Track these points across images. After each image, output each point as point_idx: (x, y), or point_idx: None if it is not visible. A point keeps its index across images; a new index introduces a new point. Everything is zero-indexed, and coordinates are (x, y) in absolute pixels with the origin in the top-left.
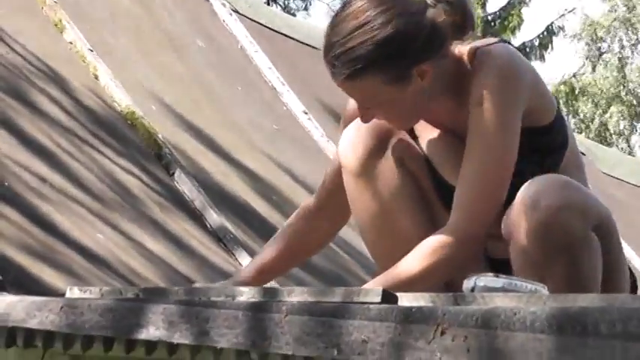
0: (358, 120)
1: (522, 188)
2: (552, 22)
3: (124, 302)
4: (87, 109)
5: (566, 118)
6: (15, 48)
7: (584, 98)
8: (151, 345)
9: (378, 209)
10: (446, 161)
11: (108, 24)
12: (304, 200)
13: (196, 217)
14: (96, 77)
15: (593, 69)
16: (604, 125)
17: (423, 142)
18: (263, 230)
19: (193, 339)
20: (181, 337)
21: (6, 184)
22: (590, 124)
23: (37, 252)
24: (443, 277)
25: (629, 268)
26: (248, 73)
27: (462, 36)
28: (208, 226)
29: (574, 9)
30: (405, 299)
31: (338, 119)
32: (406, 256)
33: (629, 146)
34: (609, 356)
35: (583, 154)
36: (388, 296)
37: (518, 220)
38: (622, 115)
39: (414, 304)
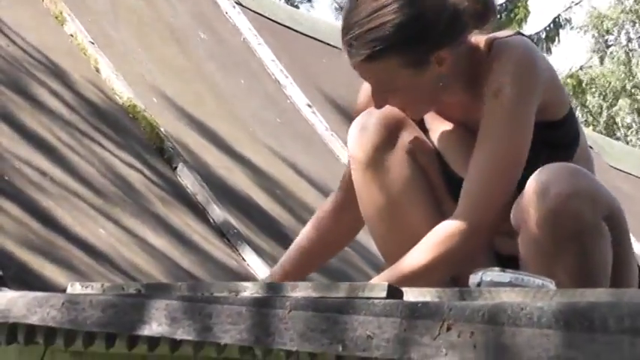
0: (368, 110)
1: (532, 176)
2: (559, 15)
3: (126, 298)
4: (88, 102)
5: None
6: (15, 40)
7: (592, 90)
8: (153, 341)
9: (385, 202)
10: (457, 155)
11: (109, 16)
12: (330, 194)
13: (199, 211)
14: (97, 70)
15: (601, 62)
16: (612, 118)
17: (434, 136)
18: (266, 225)
19: (196, 335)
20: (184, 334)
21: (6, 178)
22: (599, 117)
23: (38, 247)
24: (452, 268)
25: (637, 263)
26: (251, 65)
27: (481, 24)
28: (211, 220)
29: (581, 0)
30: (411, 294)
31: (342, 112)
32: (414, 248)
33: (639, 139)
34: (617, 352)
35: (590, 147)
36: (394, 291)
37: (528, 209)
38: (631, 109)
39: (420, 299)
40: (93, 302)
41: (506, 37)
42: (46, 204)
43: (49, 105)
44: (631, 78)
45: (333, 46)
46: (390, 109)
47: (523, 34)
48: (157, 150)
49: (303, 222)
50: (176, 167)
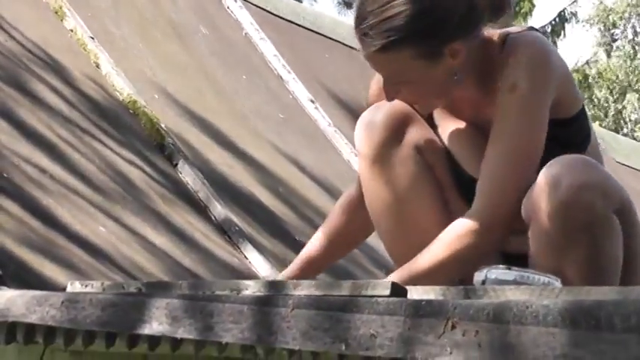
0: (375, 105)
1: (543, 169)
2: (565, 8)
3: (126, 297)
4: (88, 99)
5: None
6: (14, 36)
7: (599, 84)
8: (154, 340)
9: (391, 198)
10: (466, 153)
11: (109, 11)
12: (347, 189)
13: (200, 209)
14: (97, 66)
15: (608, 55)
16: (619, 113)
17: (443, 132)
18: (269, 222)
19: (197, 334)
20: (185, 332)
21: (5, 175)
22: (608, 111)
23: (37, 245)
24: (468, 266)
25: None
26: (253, 61)
27: (497, 17)
28: (213, 218)
29: None
30: (415, 292)
31: (345, 108)
32: (428, 246)
33: None
34: (624, 350)
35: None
36: (397, 289)
37: (538, 201)
38: (639, 104)
39: (424, 297)
40: (93, 301)
41: (520, 32)
42: (46, 202)
43: (49, 101)
44: (637, 72)
45: (337, 41)
46: (398, 105)
47: (537, 30)
48: (157, 147)
49: (306, 219)
50: (177, 164)
